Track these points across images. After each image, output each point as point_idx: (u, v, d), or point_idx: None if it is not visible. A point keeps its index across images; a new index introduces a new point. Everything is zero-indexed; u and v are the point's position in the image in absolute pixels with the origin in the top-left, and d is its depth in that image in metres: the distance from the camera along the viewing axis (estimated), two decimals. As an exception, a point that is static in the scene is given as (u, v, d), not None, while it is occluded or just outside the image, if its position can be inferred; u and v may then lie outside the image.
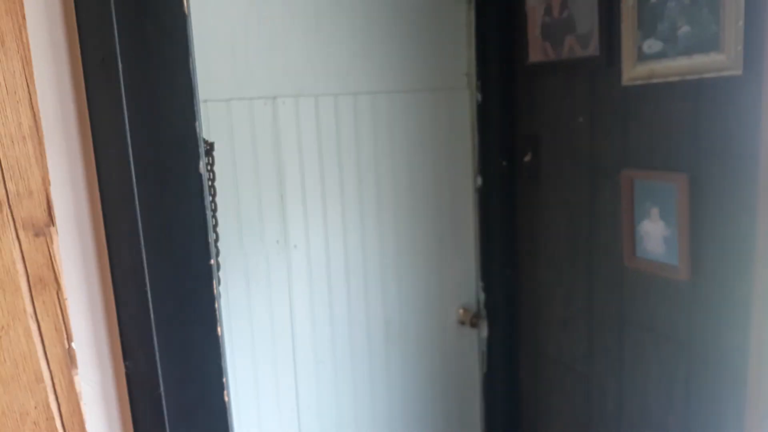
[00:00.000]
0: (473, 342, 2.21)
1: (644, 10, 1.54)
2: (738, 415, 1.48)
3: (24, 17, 0.71)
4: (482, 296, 2.16)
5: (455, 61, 2.02)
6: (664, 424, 1.67)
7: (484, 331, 2.18)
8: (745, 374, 1.46)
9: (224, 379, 0.92)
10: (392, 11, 1.89)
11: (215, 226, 1.46)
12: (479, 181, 2.08)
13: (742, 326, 1.46)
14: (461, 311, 2.15)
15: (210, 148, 1.40)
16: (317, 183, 1.87)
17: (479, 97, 2.03)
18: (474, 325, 2.14)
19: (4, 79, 0.71)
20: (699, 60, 1.43)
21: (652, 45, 1.53)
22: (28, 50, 0.72)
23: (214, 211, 1.48)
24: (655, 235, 1.61)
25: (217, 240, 1.50)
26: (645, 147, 1.61)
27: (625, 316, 1.75)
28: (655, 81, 1.54)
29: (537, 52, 1.87)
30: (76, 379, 0.82)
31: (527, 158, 1.99)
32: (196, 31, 0.87)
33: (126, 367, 0.86)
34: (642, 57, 1.56)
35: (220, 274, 1.69)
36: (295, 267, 1.87)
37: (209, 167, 1.41)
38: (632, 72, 1.59)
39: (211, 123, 1.65)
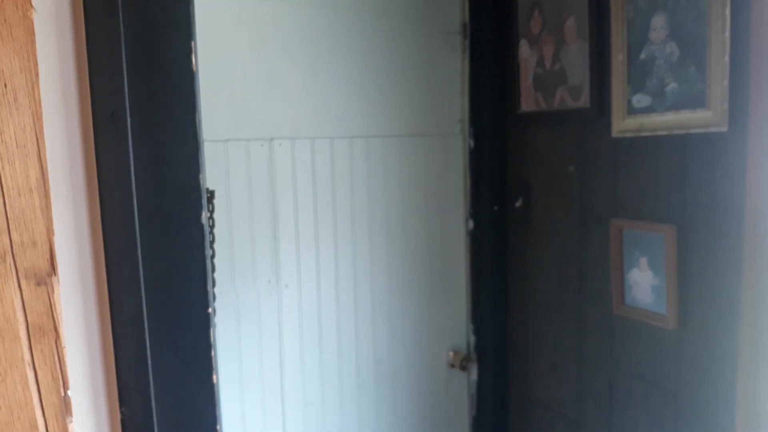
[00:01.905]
0: (463, 385, 2.21)
1: (633, 66, 1.59)
2: (725, 467, 1.49)
3: (37, 74, 0.74)
4: (473, 339, 2.17)
5: (449, 108, 2.07)
6: (652, 473, 1.68)
7: (474, 374, 2.18)
8: (733, 425, 1.47)
9: (218, 427, 0.93)
10: (388, 58, 1.94)
11: (213, 271, 1.48)
12: (471, 224, 2.11)
13: (728, 376, 1.48)
14: (451, 354, 2.16)
15: (211, 196, 1.41)
16: (311, 224, 1.89)
17: (472, 143, 2.07)
18: (464, 368, 2.14)
19: (15, 134, 0.73)
20: (686, 116, 1.48)
21: (641, 99, 1.58)
22: (40, 106, 0.74)
23: (213, 257, 1.49)
24: (643, 283, 1.64)
25: (214, 285, 1.52)
26: (634, 197, 1.65)
27: (614, 363, 1.76)
28: (643, 134, 1.58)
29: (529, 101, 1.92)
30: (71, 426, 0.82)
31: (518, 204, 2.02)
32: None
33: (122, 413, 0.87)
34: (631, 110, 1.60)
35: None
36: (286, 306, 1.88)
37: (210, 215, 1.43)
38: (622, 125, 1.63)
39: (208, 163, 1.67)
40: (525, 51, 1.92)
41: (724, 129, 1.40)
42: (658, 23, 1.52)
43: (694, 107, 1.46)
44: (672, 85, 1.50)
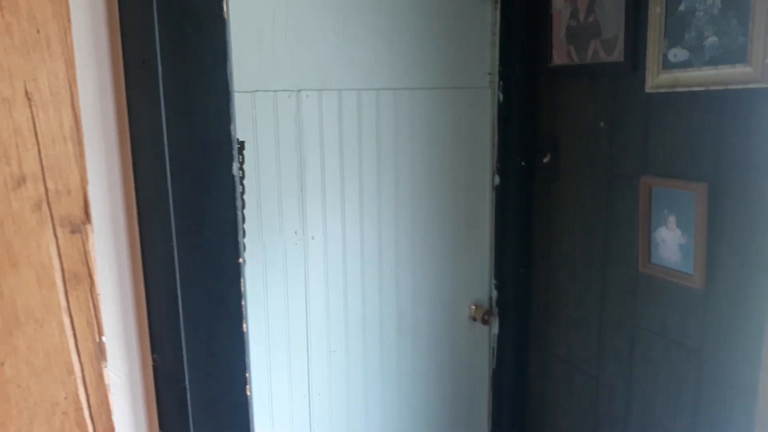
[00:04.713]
0: (484, 338, 2.23)
1: (671, 18, 1.53)
2: (747, 425, 1.50)
3: (69, 20, 0.73)
4: (495, 294, 2.18)
5: (478, 60, 2.03)
6: (671, 430, 1.69)
7: (495, 328, 2.20)
8: (756, 384, 1.47)
9: (247, 374, 0.95)
10: (417, 9, 1.90)
11: (243, 221, 1.49)
12: (497, 179, 2.09)
13: (754, 336, 1.47)
14: (473, 307, 2.17)
15: (241, 146, 1.41)
16: (337, 176, 1.88)
17: (501, 96, 2.03)
18: (485, 321, 2.16)
19: (48, 81, 0.73)
20: (725, 71, 1.43)
21: (677, 54, 1.53)
22: (72, 53, 0.74)
23: (242, 208, 1.50)
24: (671, 242, 1.62)
25: (244, 236, 1.53)
26: (665, 155, 1.62)
27: (637, 320, 1.76)
28: (678, 90, 1.54)
29: (561, 54, 1.87)
30: (105, 371, 0.84)
31: (546, 159, 1.99)
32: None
33: (153, 360, 0.89)
34: (667, 65, 1.56)
35: (239, 263, 1.71)
36: (312, 258, 1.90)
37: (240, 166, 1.43)
38: (656, 80, 1.59)
39: (236, 114, 1.67)
40: (558, 2, 1.87)
41: (765, 85, 1.36)
42: (700, -27, 1.46)
43: (734, 62, 1.41)
44: (711, 39, 1.45)
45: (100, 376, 0.84)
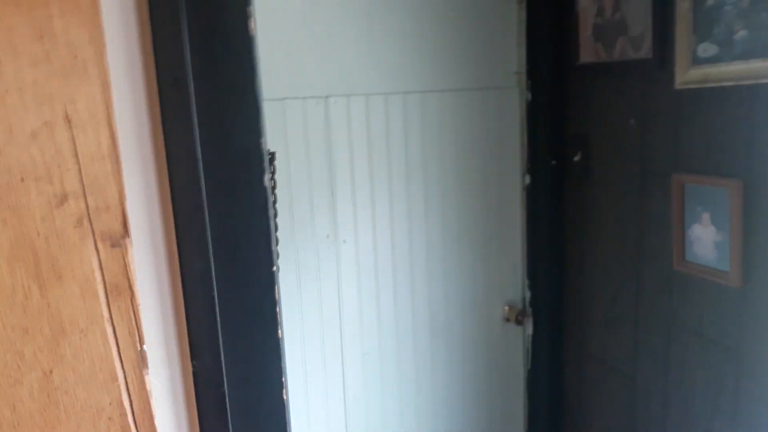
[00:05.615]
0: (518, 339, 2.23)
1: (700, 13, 1.52)
2: (787, 424, 1.48)
3: (104, 45, 0.76)
4: (528, 294, 2.18)
5: (505, 60, 2.03)
6: (711, 430, 1.67)
7: (529, 329, 2.19)
8: (795, 383, 1.45)
9: (284, 379, 0.97)
10: (443, 11, 1.91)
11: (276, 230, 1.52)
12: (528, 179, 2.09)
13: (793, 334, 1.45)
14: (507, 308, 2.17)
15: (272, 157, 1.44)
16: (366, 180, 1.91)
17: (529, 96, 2.03)
18: (519, 322, 2.16)
19: (86, 103, 0.76)
20: (756, 65, 1.41)
21: (707, 49, 1.51)
22: (108, 75, 0.77)
23: (275, 216, 1.53)
24: (705, 239, 1.60)
25: (277, 243, 1.56)
26: (697, 151, 1.60)
27: (673, 319, 1.74)
28: (709, 85, 1.53)
29: (588, 52, 1.87)
30: (147, 378, 0.88)
31: (577, 158, 1.98)
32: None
33: (193, 366, 0.92)
34: (696, 61, 1.54)
35: (273, 269, 1.75)
36: (344, 261, 1.92)
37: (271, 176, 1.46)
38: (686, 76, 1.57)
39: (266, 121, 1.70)
40: (584, 0, 1.86)
41: (797, 79, 1.34)
42: (728, -33, 1.44)
43: (765, 56, 1.39)
44: (741, 33, 1.44)
45: (142, 382, 0.87)
